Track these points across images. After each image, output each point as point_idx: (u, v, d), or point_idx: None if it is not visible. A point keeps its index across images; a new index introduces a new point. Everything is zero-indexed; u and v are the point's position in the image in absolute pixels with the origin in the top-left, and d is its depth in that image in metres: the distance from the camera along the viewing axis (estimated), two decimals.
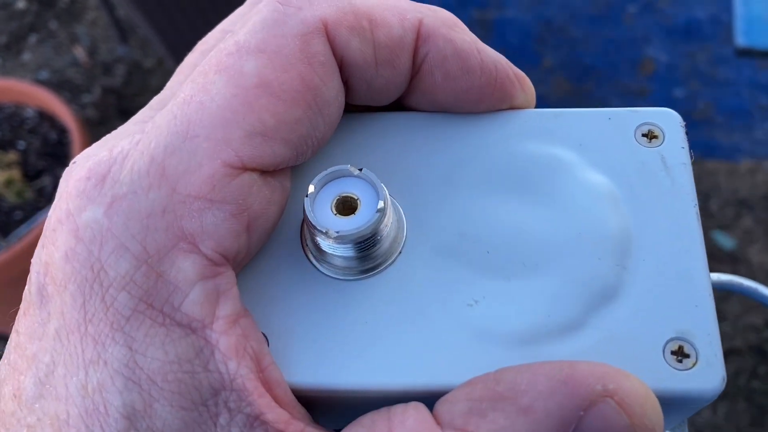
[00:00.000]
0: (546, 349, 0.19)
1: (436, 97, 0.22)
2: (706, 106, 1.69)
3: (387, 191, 0.20)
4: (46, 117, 1.27)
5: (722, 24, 1.80)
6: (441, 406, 0.17)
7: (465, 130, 0.22)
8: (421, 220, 0.21)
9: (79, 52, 1.84)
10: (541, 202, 0.21)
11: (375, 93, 0.22)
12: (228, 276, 0.19)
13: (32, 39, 1.86)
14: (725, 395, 1.34)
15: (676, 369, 0.19)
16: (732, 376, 1.36)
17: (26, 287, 0.19)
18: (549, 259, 0.20)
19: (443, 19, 0.22)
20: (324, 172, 0.20)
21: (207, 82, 0.19)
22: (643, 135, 0.23)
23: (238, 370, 0.18)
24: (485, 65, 0.22)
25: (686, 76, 1.73)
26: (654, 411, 0.17)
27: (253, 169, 0.19)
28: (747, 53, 1.75)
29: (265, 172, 0.20)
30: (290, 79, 0.19)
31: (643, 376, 0.17)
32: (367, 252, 0.20)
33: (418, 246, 0.21)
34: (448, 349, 0.19)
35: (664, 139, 0.22)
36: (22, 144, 1.25)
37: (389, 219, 0.20)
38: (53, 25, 1.89)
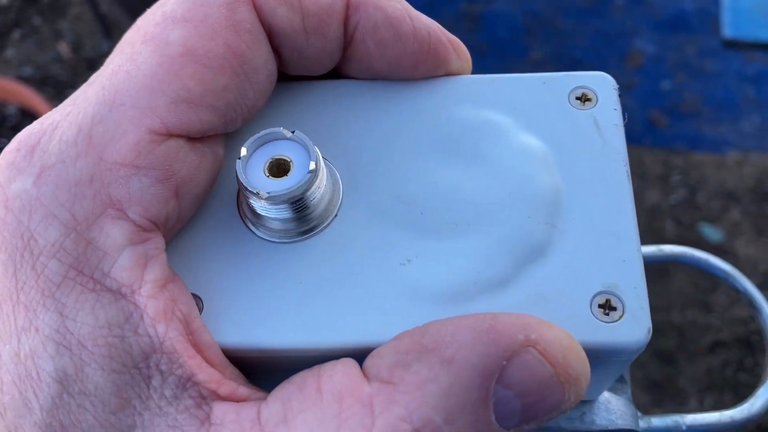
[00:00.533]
0: (476, 306, 0.19)
1: (371, 65, 0.23)
2: (694, 99, 1.69)
3: (320, 153, 0.20)
4: (28, 114, 1.26)
5: (710, 16, 1.80)
6: (369, 360, 0.18)
7: (402, 97, 0.23)
8: (358, 183, 0.21)
9: (63, 48, 1.83)
10: (475, 165, 0.21)
11: (308, 62, 0.22)
12: (156, 241, 0.19)
13: (15, 35, 1.84)
14: (712, 386, 1.35)
15: (602, 321, 0.19)
16: (719, 368, 1.37)
17: None
18: (481, 219, 0.20)
19: None
20: (256, 135, 0.20)
21: (134, 52, 0.19)
22: (577, 98, 0.23)
23: (166, 332, 0.18)
24: (418, 31, 0.22)
25: (674, 68, 1.73)
26: (578, 360, 0.17)
27: (179, 136, 0.19)
28: (734, 45, 1.75)
29: (193, 138, 0.20)
30: (216, 46, 0.19)
31: (571, 329, 0.18)
32: (302, 214, 0.20)
33: (354, 209, 0.21)
34: (380, 307, 0.19)
35: (597, 102, 0.23)
36: (3, 142, 1.24)
37: (322, 181, 0.20)
38: (36, 20, 1.87)
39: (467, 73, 0.24)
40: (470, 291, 0.19)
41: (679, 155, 1.62)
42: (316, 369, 0.18)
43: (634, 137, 1.64)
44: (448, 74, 0.23)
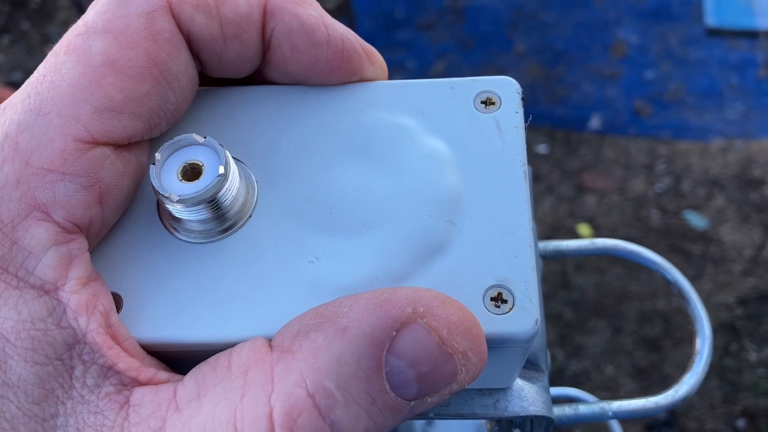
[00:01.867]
0: None
1: (288, 70, 0.24)
2: (678, 87, 1.70)
3: (230, 157, 0.21)
4: None
5: (692, 4, 1.81)
6: (277, 333, 0.19)
7: (317, 102, 0.24)
8: (272, 185, 0.23)
9: None
10: (382, 167, 0.23)
11: (228, 66, 0.23)
12: (80, 242, 0.20)
13: (5, 40, 1.86)
14: None
15: (493, 313, 0.20)
16: None
17: None
18: (385, 217, 0.22)
19: None
20: (169, 141, 0.21)
21: (58, 62, 0.20)
22: (482, 102, 0.24)
23: (88, 325, 0.19)
24: (332, 39, 0.23)
25: (657, 57, 1.74)
26: (465, 335, 0.18)
27: (105, 144, 0.20)
28: (717, 33, 1.76)
29: (118, 146, 0.21)
30: (136, 56, 0.20)
31: None
32: (216, 215, 0.21)
33: (267, 210, 0.22)
34: (287, 302, 0.20)
35: (500, 105, 0.23)
36: None
37: (233, 183, 0.21)
38: (25, 25, 1.88)
39: (383, 80, 0.25)
40: (372, 285, 0.20)
41: (664, 144, 1.63)
42: (228, 350, 0.19)
43: (619, 127, 1.65)
44: (363, 81, 0.24)
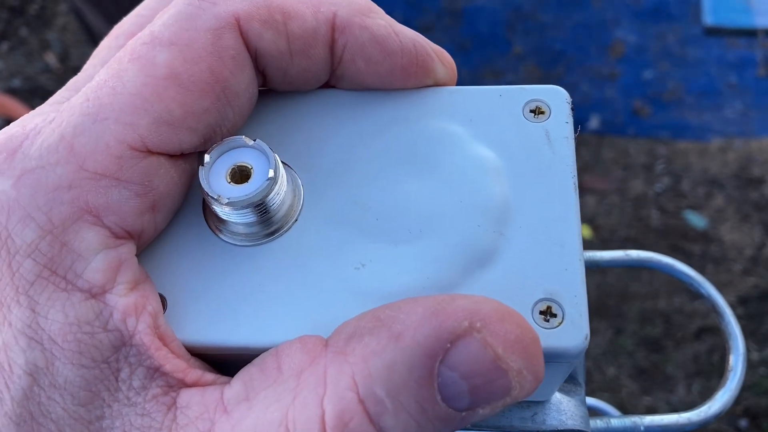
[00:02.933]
0: None
1: (363, 82, 0.24)
2: (676, 87, 1.69)
3: (279, 160, 0.21)
4: None
5: (690, 3, 1.81)
6: (333, 332, 0.19)
7: (366, 108, 0.24)
8: (319, 190, 0.23)
9: (51, 59, 1.84)
10: (430, 174, 0.23)
11: (293, 80, 0.23)
12: (129, 247, 0.20)
13: (3, 47, 1.86)
14: (699, 372, 1.36)
15: (542, 328, 0.20)
16: (706, 354, 1.38)
17: None
18: (432, 226, 0.21)
19: (357, 7, 0.23)
20: (219, 144, 0.21)
21: (121, 69, 0.20)
22: (531, 111, 0.23)
23: (137, 326, 0.19)
24: (404, 46, 0.23)
25: (656, 57, 1.74)
26: (523, 353, 0.17)
27: (160, 153, 0.20)
28: (715, 32, 1.76)
29: (173, 156, 0.21)
30: (200, 71, 0.20)
31: None
32: (262, 218, 0.21)
33: (313, 214, 0.22)
34: (332, 308, 0.20)
35: (550, 115, 0.23)
36: None
37: (281, 186, 0.21)
38: (24, 32, 1.89)
39: (453, 80, 0.25)
40: (419, 294, 0.20)
41: (663, 144, 1.63)
42: (274, 349, 0.19)
43: (618, 128, 1.65)
44: (437, 83, 0.24)
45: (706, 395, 1.41)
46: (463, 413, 0.17)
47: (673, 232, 1.52)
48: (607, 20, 1.80)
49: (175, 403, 0.19)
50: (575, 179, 0.22)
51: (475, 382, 0.17)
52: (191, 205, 0.22)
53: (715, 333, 1.40)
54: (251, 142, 0.21)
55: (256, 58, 0.22)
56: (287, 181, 0.22)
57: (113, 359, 0.19)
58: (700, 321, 1.41)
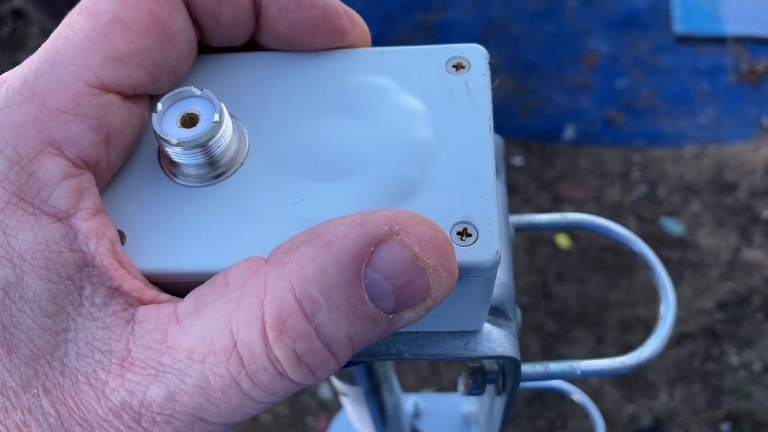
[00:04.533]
0: None
1: (277, 31, 0.26)
2: (649, 95, 1.71)
3: (224, 108, 0.23)
4: None
5: (660, 12, 1.83)
6: (273, 250, 0.21)
7: (304, 66, 0.27)
8: (263, 139, 0.25)
9: None
10: (362, 121, 0.25)
11: (225, 30, 0.26)
12: (89, 177, 0.22)
13: None
14: (681, 378, 1.37)
15: (460, 245, 0.22)
16: (686, 360, 1.39)
17: None
18: (364, 164, 0.24)
19: None
20: (170, 93, 0.23)
21: (71, 21, 0.23)
22: (453, 66, 0.26)
23: (97, 249, 0.21)
24: (315, 0, 0.25)
25: (628, 65, 1.76)
26: (437, 251, 0.20)
27: (113, 92, 0.23)
28: (686, 40, 1.78)
29: (125, 96, 0.23)
30: (140, 14, 0.23)
31: None
32: (210, 160, 0.24)
33: (258, 159, 0.25)
34: (276, 236, 0.22)
35: (469, 69, 0.26)
36: None
37: (227, 131, 0.23)
38: None
39: (366, 42, 0.27)
40: None
41: (638, 151, 1.65)
42: (224, 270, 0.21)
43: (593, 137, 1.67)
44: (348, 45, 0.27)
45: (687, 401, 1.42)
46: (390, 315, 0.20)
47: (650, 239, 1.53)
48: (580, 31, 1.82)
49: (133, 318, 0.21)
50: (491, 122, 0.25)
51: (397, 283, 0.19)
52: (147, 153, 0.25)
53: (695, 338, 1.41)
54: (199, 92, 0.23)
55: (188, 6, 0.24)
56: (233, 129, 0.24)
57: (77, 277, 0.20)
58: (680, 327, 1.42)
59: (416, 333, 0.26)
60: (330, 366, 0.20)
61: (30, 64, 0.22)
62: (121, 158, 0.24)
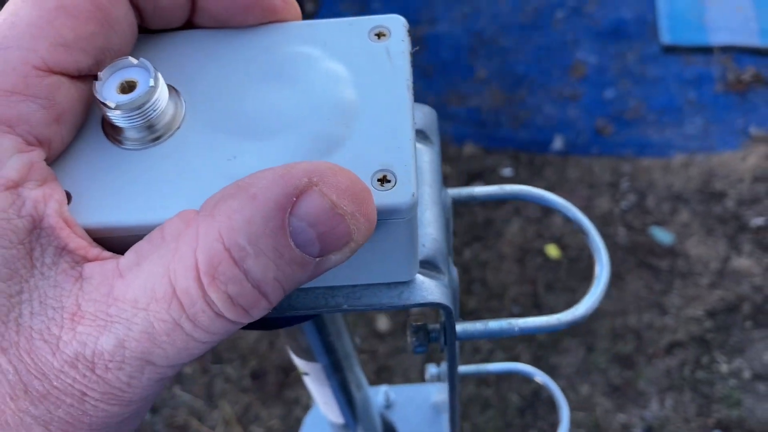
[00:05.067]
0: None
1: (211, 12, 0.28)
2: (637, 105, 1.73)
3: (160, 74, 0.25)
4: None
5: (647, 23, 1.85)
6: (203, 203, 0.22)
7: (237, 40, 0.29)
8: (198, 104, 0.27)
9: None
10: (291, 86, 0.27)
11: (163, 12, 0.27)
12: (39, 153, 0.23)
13: None
14: (672, 387, 1.37)
15: (379, 191, 0.24)
16: (677, 368, 1.40)
17: None
18: (293, 124, 0.26)
19: None
20: (110, 65, 0.25)
21: (16, 7, 0.24)
22: (375, 35, 0.28)
23: (45, 211, 0.22)
24: None
25: (616, 76, 1.77)
26: (354, 198, 0.22)
27: (60, 73, 0.24)
28: (673, 50, 1.80)
29: (72, 77, 0.24)
30: (83, 2, 0.24)
31: None
32: (147, 123, 0.25)
33: (193, 123, 0.26)
34: (209, 190, 0.24)
35: (390, 37, 0.28)
36: None
37: (162, 95, 0.25)
38: None
39: (297, 18, 0.29)
40: None
41: (627, 161, 1.66)
42: (160, 225, 0.23)
43: (581, 147, 1.68)
44: (279, 21, 0.29)
45: (678, 409, 1.42)
46: (317, 259, 0.22)
47: (640, 248, 1.54)
48: (568, 42, 1.83)
49: (81, 275, 0.22)
50: (409, 83, 0.27)
51: (320, 229, 0.21)
52: (92, 124, 0.27)
53: (685, 347, 1.41)
54: (136, 61, 0.25)
55: None
56: (169, 95, 0.26)
57: (27, 241, 0.22)
58: (671, 336, 1.43)
59: (354, 286, 0.28)
60: (262, 305, 0.22)
61: None
62: (72, 133, 0.25)
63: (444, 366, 0.59)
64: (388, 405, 0.70)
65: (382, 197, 0.24)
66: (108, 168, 0.25)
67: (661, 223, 1.56)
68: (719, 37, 1.79)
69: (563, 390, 1.42)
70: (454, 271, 0.35)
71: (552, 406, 1.40)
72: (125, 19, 0.26)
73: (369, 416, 0.59)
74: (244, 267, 0.21)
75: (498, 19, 1.89)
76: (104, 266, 0.22)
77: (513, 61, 1.80)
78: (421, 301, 0.28)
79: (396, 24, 0.28)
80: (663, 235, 1.54)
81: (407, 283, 0.28)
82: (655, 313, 1.45)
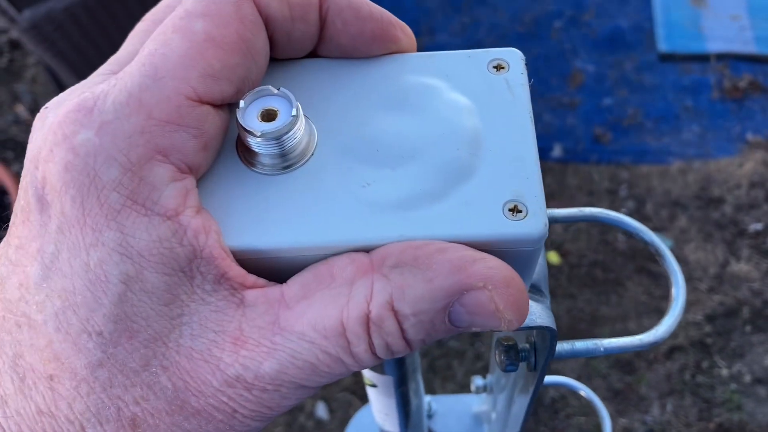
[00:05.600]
0: (419, 213, 0.25)
1: (339, 42, 0.29)
2: (635, 112, 1.75)
3: (300, 105, 0.26)
4: None
5: (644, 31, 1.87)
6: (378, 254, 0.24)
7: (362, 69, 0.30)
8: (329, 132, 0.28)
9: (21, 110, 1.86)
10: (417, 115, 0.28)
11: (295, 44, 0.28)
12: (192, 180, 0.25)
13: None
14: (672, 391, 1.38)
15: (512, 220, 0.25)
16: (678, 373, 1.41)
17: (18, 204, 0.25)
18: (421, 153, 0.27)
19: None
20: (251, 92, 0.26)
21: (166, 39, 0.25)
22: (494, 67, 0.29)
23: (206, 242, 0.23)
24: (373, 13, 0.28)
25: (614, 84, 1.79)
26: (517, 310, 0.23)
27: (208, 103, 0.25)
28: (670, 58, 1.82)
29: (216, 105, 0.25)
30: (229, 34, 0.25)
31: (489, 228, 0.25)
32: (286, 150, 0.26)
33: (326, 150, 0.27)
34: (347, 216, 0.25)
35: (509, 69, 0.29)
36: None
37: (301, 125, 0.26)
38: None
39: (414, 49, 0.30)
40: (414, 202, 0.26)
41: (625, 169, 1.67)
42: (324, 262, 0.24)
43: (580, 155, 1.69)
44: (399, 51, 0.30)
45: (679, 414, 1.43)
46: (460, 328, 0.24)
47: (639, 254, 1.55)
48: (566, 51, 1.85)
49: (243, 301, 0.23)
50: (531, 114, 0.28)
51: (475, 318, 0.23)
52: (226, 148, 0.28)
53: (686, 351, 1.43)
54: (276, 91, 0.26)
55: (266, 23, 0.27)
56: (305, 124, 0.27)
57: (188, 269, 0.23)
58: (671, 340, 1.44)
59: None
60: (406, 351, 0.24)
61: (130, 78, 0.24)
62: (213, 159, 0.27)
63: (490, 378, 0.60)
64: (430, 415, 0.71)
65: (515, 227, 0.25)
66: (246, 192, 0.26)
67: (659, 229, 1.58)
68: (715, 45, 1.81)
69: (564, 397, 1.43)
70: (548, 292, 0.36)
71: (554, 410, 1.41)
72: (264, 49, 0.27)
73: (420, 424, 0.61)
74: (403, 327, 0.23)
75: (497, 30, 1.91)
76: (267, 294, 0.24)
77: None
78: (531, 325, 0.29)
79: (514, 57, 0.29)
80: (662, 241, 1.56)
81: None
82: (654, 318, 1.47)
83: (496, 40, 1.87)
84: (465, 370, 1.43)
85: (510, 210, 0.25)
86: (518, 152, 0.27)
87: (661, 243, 0.43)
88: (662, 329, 0.39)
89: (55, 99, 0.26)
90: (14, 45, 2.00)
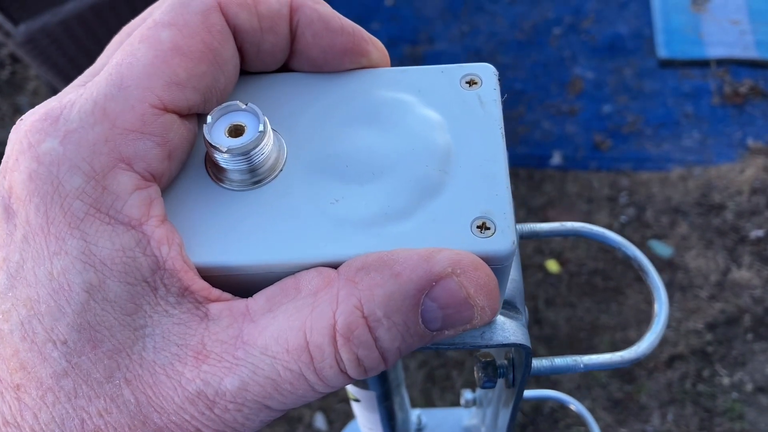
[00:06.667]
0: (387, 230, 0.25)
1: (310, 55, 0.28)
2: (635, 119, 1.74)
3: (267, 120, 0.26)
4: None
5: (644, 38, 1.86)
6: (344, 264, 0.24)
7: (334, 84, 0.29)
8: (299, 147, 0.28)
9: None
10: (388, 131, 0.28)
11: (265, 56, 0.28)
12: (156, 189, 0.24)
13: None
14: (673, 401, 1.37)
15: (480, 238, 0.25)
16: (678, 382, 1.40)
17: None
18: (391, 169, 0.27)
19: None
20: (219, 107, 0.26)
21: (133, 49, 0.25)
22: (467, 82, 0.29)
23: (169, 253, 0.23)
24: (344, 27, 0.28)
25: (614, 91, 1.78)
26: (488, 295, 0.23)
27: (173, 111, 0.25)
28: (669, 64, 1.81)
29: (181, 115, 0.25)
30: (195, 43, 0.25)
31: (457, 245, 0.24)
32: (254, 166, 0.26)
33: (295, 165, 0.27)
34: (315, 234, 0.25)
35: (481, 84, 0.29)
36: None
37: (269, 140, 0.26)
38: None
39: (386, 63, 0.30)
40: (383, 220, 0.25)
41: (625, 175, 1.66)
42: (292, 276, 0.24)
43: (580, 162, 1.69)
44: (371, 66, 0.29)
45: (680, 423, 1.42)
46: (434, 333, 0.23)
47: None
48: (565, 58, 1.85)
49: (207, 315, 0.23)
50: (502, 130, 0.28)
51: (448, 312, 0.23)
52: (194, 163, 0.27)
53: (686, 360, 1.42)
54: (244, 106, 0.26)
55: (234, 34, 0.27)
56: (273, 139, 0.27)
57: (151, 279, 0.23)
58: (671, 349, 1.43)
59: None
60: (380, 367, 0.23)
61: (97, 87, 0.24)
62: (178, 169, 0.26)
63: (480, 392, 0.61)
64: (420, 428, 0.71)
65: (483, 245, 0.24)
66: (213, 209, 0.26)
67: (660, 237, 1.57)
68: (715, 51, 1.81)
69: (564, 406, 1.43)
70: (526, 311, 0.36)
71: (554, 420, 1.40)
72: (232, 60, 0.27)
73: None
74: (376, 335, 0.22)
75: (496, 37, 1.91)
76: (232, 308, 0.23)
77: (511, 77, 1.82)
78: (504, 342, 0.29)
79: (487, 73, 0.29)
80: (662, 249, 1.55)
81: (489, 324, 0.29)
82: None
83: (495, 48, 1.87)
84: (464, 380, 1.42)
85: (478, 227, 0.25)
86: (488, 169, 0.26)
87: (644, 258, 0.42)
88: (644, 345, 0.38)
89: (31, 110, 0.25)
90: (15, 58, 2.01)
